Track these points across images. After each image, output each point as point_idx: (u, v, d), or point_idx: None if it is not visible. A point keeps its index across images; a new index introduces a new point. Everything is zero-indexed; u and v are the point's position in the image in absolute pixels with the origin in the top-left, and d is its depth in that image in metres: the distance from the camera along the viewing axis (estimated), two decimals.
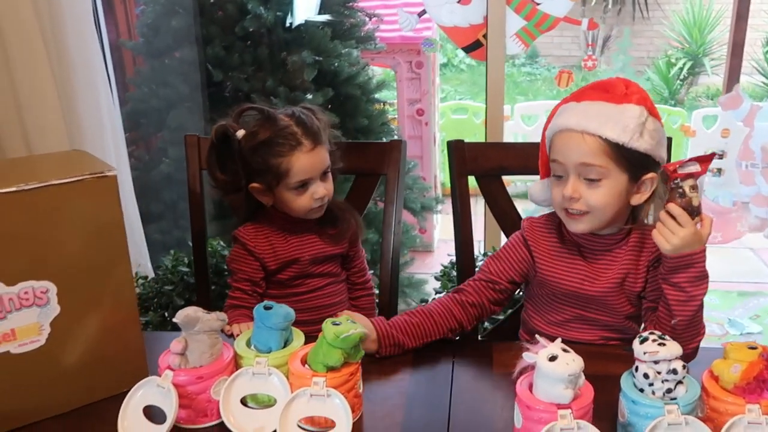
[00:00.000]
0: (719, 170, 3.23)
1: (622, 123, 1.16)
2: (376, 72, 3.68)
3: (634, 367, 0.98)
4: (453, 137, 1.62)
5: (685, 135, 4.16)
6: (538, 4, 2.36)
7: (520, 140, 4.45)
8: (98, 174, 1.08)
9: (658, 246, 1.14)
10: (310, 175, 1.39)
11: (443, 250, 3.59)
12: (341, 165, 1.49)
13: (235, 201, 1.45)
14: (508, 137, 4.26)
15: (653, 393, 0.96)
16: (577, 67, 3.07)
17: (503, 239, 1.42)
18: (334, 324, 1.03)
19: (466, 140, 1.60)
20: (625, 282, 1.26)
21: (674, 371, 0.94)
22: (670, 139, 1.37)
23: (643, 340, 0.97)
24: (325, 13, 2.78)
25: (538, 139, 1.33)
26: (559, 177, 1.23)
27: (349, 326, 1.03)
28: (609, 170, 1.17)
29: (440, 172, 4.25)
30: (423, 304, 1.38)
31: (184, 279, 2.00)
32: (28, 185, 1.02)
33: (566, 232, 1.30)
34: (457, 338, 1.38)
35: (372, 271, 1.67)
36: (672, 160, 1.17)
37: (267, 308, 1.10)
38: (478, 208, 1.93)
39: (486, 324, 1.76)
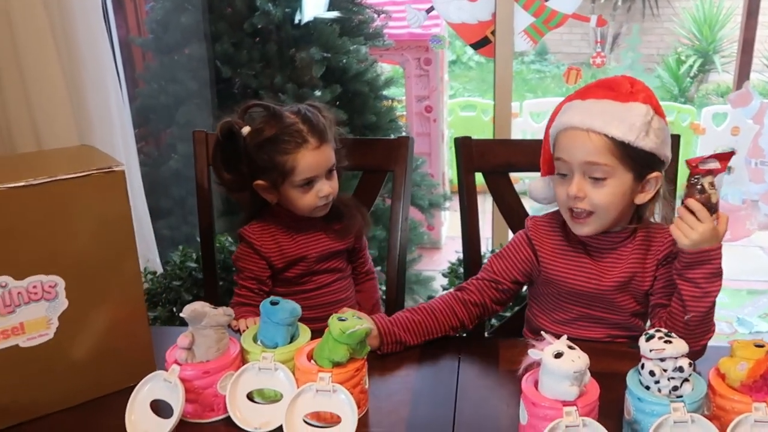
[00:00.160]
0: (729, 168, 3.21)
1: (628, 121, 1.15)
2: (385, 69, 3.69)
3: (640, 365, 0.98)
4: (461, 134, 1.62)
5: (695, 133, 4.14)
6: (546, 0, 2.35)
7: (528, 137, 4.44)
8: (106, 169, 1.08)
9: (677, 240, 1.13)
10: (315, 173, 1.39)
11: (451, 246, 3.60)
12: (346, 163, 1.48)
13: (240, 198, 1.45)
14: (517, 134, 4.26)
15: (659, 390, 0.95)
16: (587, 64, 3.05)
17: (511, 236, 1.42)
18: (340, 320, 1.03)
19: (474, 137, 1.60)
20: (633, 281, 1.26)
21: (680, 369, 0.94)
22: (678, 137, 1.37)
23: (650, 338, 0.96)
24: (333, 10, 2.78)
25: None
26: (564, 175, 1.22)
27: (355, 322, 1.03)
28: (614, 169, 1.17)
29: (448, 169, 4.25)
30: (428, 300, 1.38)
31: (192, 274, 2.01)
32: (37, 180, 1.03)
33: (571, 231, 1.29)
34: (464, 335, 1.38)
35: (379, 268, 1.68)
36: (680, 159, 1.16)
37: (273, 303, 1.11)
38: (486, 205, 1.92)
39: (493, 320, 1.77)
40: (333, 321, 1.03)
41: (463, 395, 1.13)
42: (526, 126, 4.65)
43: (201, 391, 1.06)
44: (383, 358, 1.23)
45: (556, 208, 1.30)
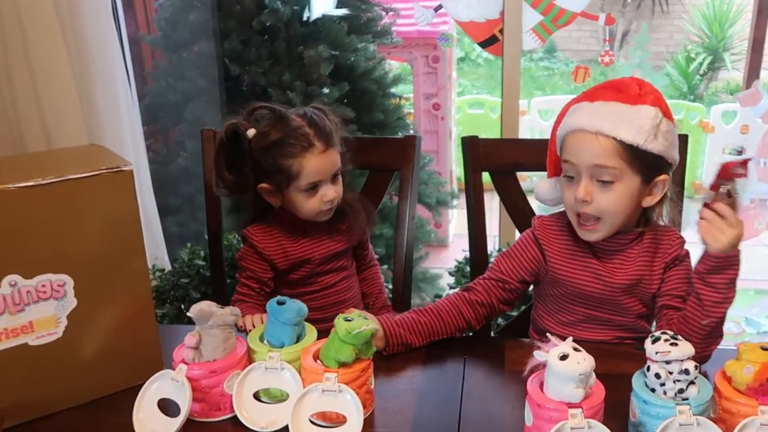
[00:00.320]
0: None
1: (636, 124, 1.14)
2: (393, 66, 3.68)
3: (645, 367, 0.98)
4: (469, 132, 1.62)
5: (704, 131, 4.12)
6: None
7: (536, 135, 4.43)
8: (114, 169, 1.09)
9: (708, 244, 1.11)
10: (321, 177, 1.38)
11: (458, 245, 3.59)
12: (351, 167, 1.48)
13: (243, 199, 1.44)
14: (525, 132, 4.25)
15: (665, 393, 0.95)
16: (595, 62, 3.04)
17: (518, 235, 1.42)
18: (346, 320, 1.04)
19: (482, 135, 1.60)
20: (640, 283, 1.25)
21: (686, 371, 0.94)
22: (685, 138, 1.37)
23: (655, 340, 0.96)
24: (341, 8, 2.78)
25: None
26: (571, 178, 1.21)
27: (361, 322, 1.03)
28: (622, 172, 1.16)
29: (456, 167, 4.24)
30: (436, 299, 1.38)
31: (200, 272, 2.01)
32: (46, 179, 1.03)
33: None
34: (471, 334, 1.38)
35: (386, 266, 1.68)
36: (688, 158, 1.16)
37: (280, 303, 1.11)
38: (493, 203, 1.92)
39: (499, 320, 1.77)
40: (339, 321, 1.04)
41: (468, 396, 1.14)
42: (534, 124, 4.63)
43: (208, 391, 1.07)
44: (389, 358, 1.23)
45: (562, 209, 1.30)
